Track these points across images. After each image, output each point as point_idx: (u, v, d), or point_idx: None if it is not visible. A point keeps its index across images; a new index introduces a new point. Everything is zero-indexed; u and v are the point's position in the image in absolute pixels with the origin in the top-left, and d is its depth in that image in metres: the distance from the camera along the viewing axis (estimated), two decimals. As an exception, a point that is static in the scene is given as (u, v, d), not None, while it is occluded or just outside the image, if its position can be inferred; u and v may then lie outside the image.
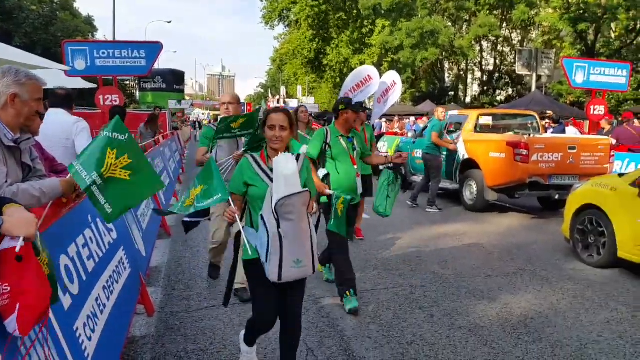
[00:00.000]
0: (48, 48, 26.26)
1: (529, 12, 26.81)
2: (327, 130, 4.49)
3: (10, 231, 1.67)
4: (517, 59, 28.41)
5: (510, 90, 34.42)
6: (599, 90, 13.41)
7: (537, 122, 10.43)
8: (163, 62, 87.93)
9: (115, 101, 10.88)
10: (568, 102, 24.70)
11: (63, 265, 2.54)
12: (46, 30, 28.32)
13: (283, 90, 58.28)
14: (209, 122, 9.10)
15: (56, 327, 2.12)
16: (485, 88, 35.45)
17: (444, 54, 31.67)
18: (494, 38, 32.11)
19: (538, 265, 5.84)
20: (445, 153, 9.60)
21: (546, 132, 11.61)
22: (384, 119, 20.64)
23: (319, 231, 3.28)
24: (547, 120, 14.35)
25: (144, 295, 4.10)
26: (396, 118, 22.41)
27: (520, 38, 34.34)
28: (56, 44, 23.79)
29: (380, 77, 10.03)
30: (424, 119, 20.60)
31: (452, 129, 10.02)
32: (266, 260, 2.65)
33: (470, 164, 9.26)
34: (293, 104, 35.77)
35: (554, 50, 27.72)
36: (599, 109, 13.05)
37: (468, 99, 36.72)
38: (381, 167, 5.08)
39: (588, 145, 8.48)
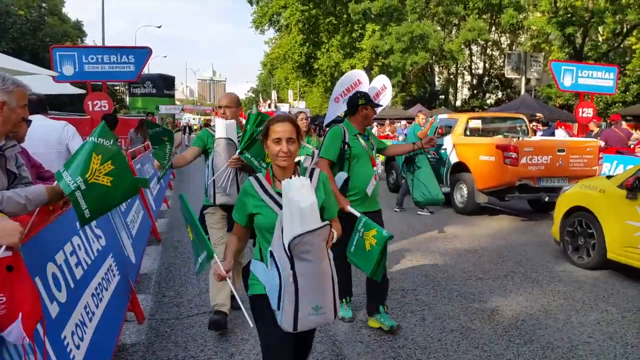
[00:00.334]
0: (36, 53, 26.07)
1: (518, 16, 27.04)
2: (343, 128, 4.03)
3: (-7, 240, 1.65)
4: (506, 62, 28.62)
5: (499, 94, 34.67)
6: (587, 93, 13.54)
7: (526, 125, 10.51)
8: (153, 67, 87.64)
9: (105, 107, 10.81)
10: (557, 105, 24.91)
11: (50, 273, 2.51)
12: (34, 36, 28.10)
13: (274, 94, 58.32)
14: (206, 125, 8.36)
15: (43, 336, 2.09)
16: (475, 91, 35.69)
17: (433, 57, 31.84)
18: (483, 42, 32.35)
19: (528, 267, 5.87)
20: (435, 157, 9.64)
21: (535, 134, 11.69)
22: (375, 123, 20.69)
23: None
24: (534, 123, 14.46)
25: (134, 302, 4.07)
26: (387, 122, 22.48)
27: (509, 42, 34.64)
28: (44, 49, 23.62)
29: (371, 81, 10.06)
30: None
31: (442, 133, 10.06)
32: (278, 308, 2.19)
33: (460, 167, 9.31)
34: (284, 108, 35.74)
35: (543, 53, 27.96)
36: (587, 112, 13.18)
37: (458, 103, 36.93)
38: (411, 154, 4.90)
39: (577, 148, 8.55)
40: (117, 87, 34.39)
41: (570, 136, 14.25)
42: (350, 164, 3.96)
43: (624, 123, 12.60)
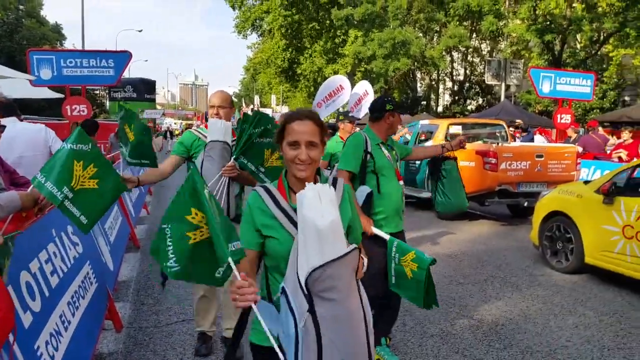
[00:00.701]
0: (12, 56, 25.61)
1: (497, 23, 27.39)
2: (364, 136, 3.45)
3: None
4: (486, 69, 28.99)
5: (480, 100, 35.03)
6: (565, 100, 13.78)
7: (505, 131, 10.65)
8: (134, 71, 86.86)
9: (83, 111, 10.64)
10: (536, 111, 25.29)
11: (24, 282, 2.46)
12: (10, 38, 27.61)
13: (257, 99, 58.17)
14: (195, 126, 7.51)
15: (14, 346, 2.04)
16: (457, 98, 36.03)
17: (415, 64, 32.07)
18: (464, 49, 32.70)
19: (508, 271, 5.93)
20: (417, 162, 9.69)
21: (515, 140, 11.85)
22: (358, 128, 20.72)
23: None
24: (512, 129, 14.68)
25: (112, 310, 4.00)
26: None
27: (489, 48, 35.08)
28: (21, 52, 23.21)
29: (353, 87, 10.10)
30: (405, 130, 20.79)
31: (423, 138, 10.14)
32: None
33: (441, 173, 9.36)
34: (267, 113, 35.63)
35: (523, 60, 28.37)
36: (566, 118, 13.40)
37: (440, 109, 37.25)
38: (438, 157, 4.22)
39: (555, 154, 8.69)
40: (97, 92, 33.96)
41: (549, 142, 14.48)
42: (377, 177, 3.38)
43: (600, 129, 12.84)
